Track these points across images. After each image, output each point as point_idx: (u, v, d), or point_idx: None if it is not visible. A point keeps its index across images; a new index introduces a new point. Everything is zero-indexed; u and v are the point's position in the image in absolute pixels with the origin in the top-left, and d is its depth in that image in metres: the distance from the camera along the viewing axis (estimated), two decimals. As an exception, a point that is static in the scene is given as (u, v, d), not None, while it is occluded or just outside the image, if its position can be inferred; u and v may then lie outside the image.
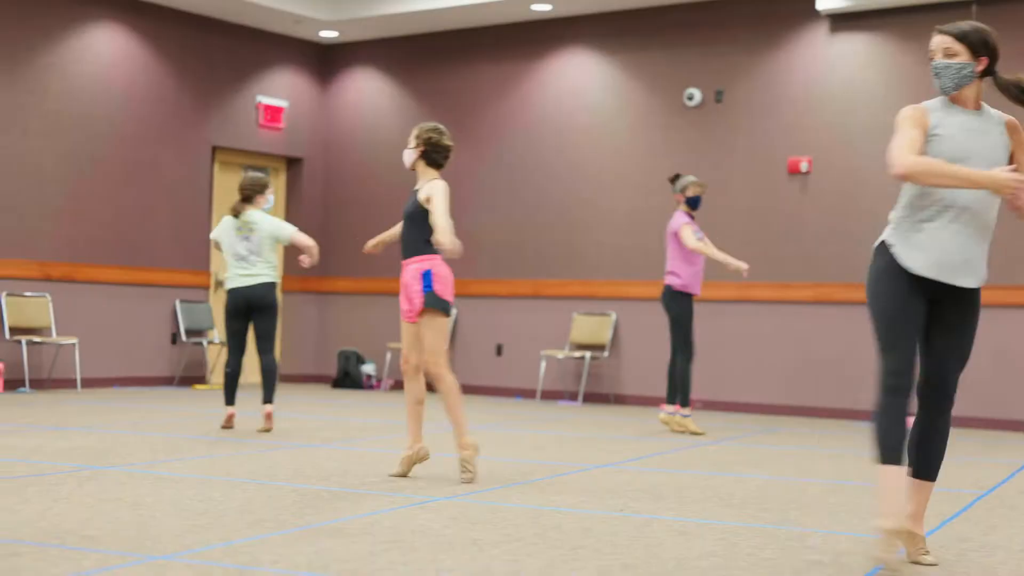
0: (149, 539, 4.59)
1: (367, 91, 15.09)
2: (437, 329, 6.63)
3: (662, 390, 12.76)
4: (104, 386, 12.93)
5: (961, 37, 4.79)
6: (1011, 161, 4.72)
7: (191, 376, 13.86)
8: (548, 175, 13.74)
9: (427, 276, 6.64)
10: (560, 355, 13.05)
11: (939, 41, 4.82)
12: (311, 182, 15.19)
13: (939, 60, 4.83)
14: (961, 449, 9.32)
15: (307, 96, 15.18)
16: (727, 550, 4.77)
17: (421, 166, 7.02)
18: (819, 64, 12.37)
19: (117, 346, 13.07)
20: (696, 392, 12.61)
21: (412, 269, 6.72)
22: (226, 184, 14.43)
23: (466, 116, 14.35)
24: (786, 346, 12.37)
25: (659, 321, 12.82)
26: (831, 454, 8.65)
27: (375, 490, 6.07)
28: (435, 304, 6.61)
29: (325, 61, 15.33)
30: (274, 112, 14.70)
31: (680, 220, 9.88)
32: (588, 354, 13.05)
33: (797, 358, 12.28)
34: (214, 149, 14.21)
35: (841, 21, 12.28)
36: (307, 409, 11.25)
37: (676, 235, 9.86)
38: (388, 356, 14.46)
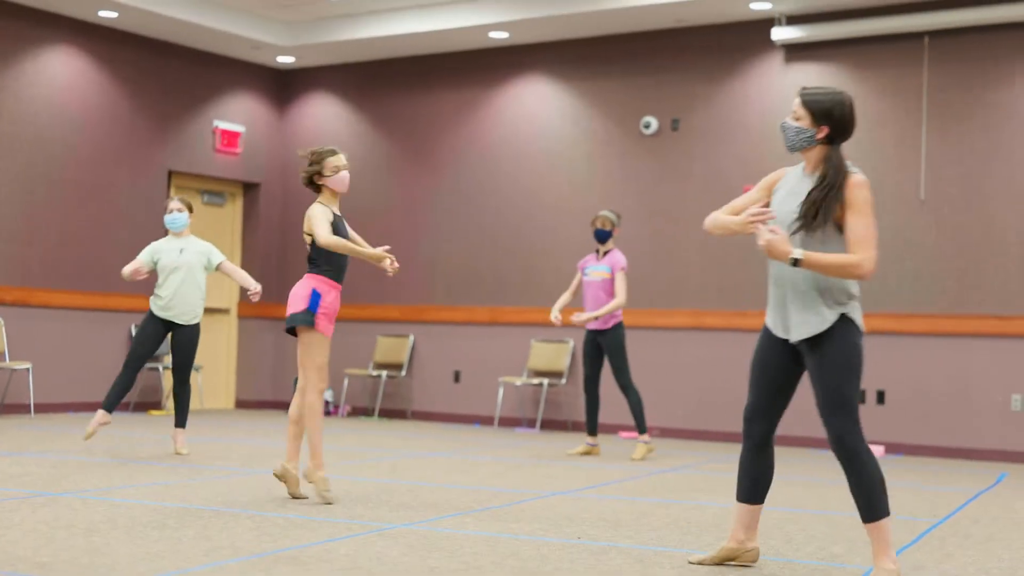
0: (104, 567, 4.55)
1: (324, 116, 15.08)
2: (304, 344, 6.92)
3: (620, 417, 12.79)
4: (58, 411, 12.81)
5: (808, 103, 4.97)
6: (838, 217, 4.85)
7: (146, 402, 13.76)
8: (505, 202, 13.77)
9: (314, 296, 6.82)
10: (518, 382, 13.05)
11: (795, 103, 5.03)
12: (268, 207, 15.15)
13: (786, 120, 5.04)
14: (917, 477, 9.38)
15: (264, 121, 15.16)
16: (685, 577, 4.78)
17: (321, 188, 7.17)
18: (774, 94, 12.47)
19: (71, 371, 12.96)
20: (653, 419, 12.64)
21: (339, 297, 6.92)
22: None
23: (423, 142, 14.37)
24: (741, 374, 12.40)
25: (616, 348, 12.84)
26: (787, 481, 8.69)
27: (332, 517, 6.04)
28: (306, 321, 6.83)
29: (282, 86, 15.31)
30: (231, 137, 14.67)
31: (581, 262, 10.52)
32: (546, 381, 13.05)
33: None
34: (170, 173, 14.15)
35: (795, 51, 12.39)
36: (263, 436, 11.18)
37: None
38: (346, 382, 14.41)
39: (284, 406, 14.86)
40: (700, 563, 5.09)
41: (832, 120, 4.92)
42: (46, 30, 12.84)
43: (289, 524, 5.77)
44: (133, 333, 13.45)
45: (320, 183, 7.01)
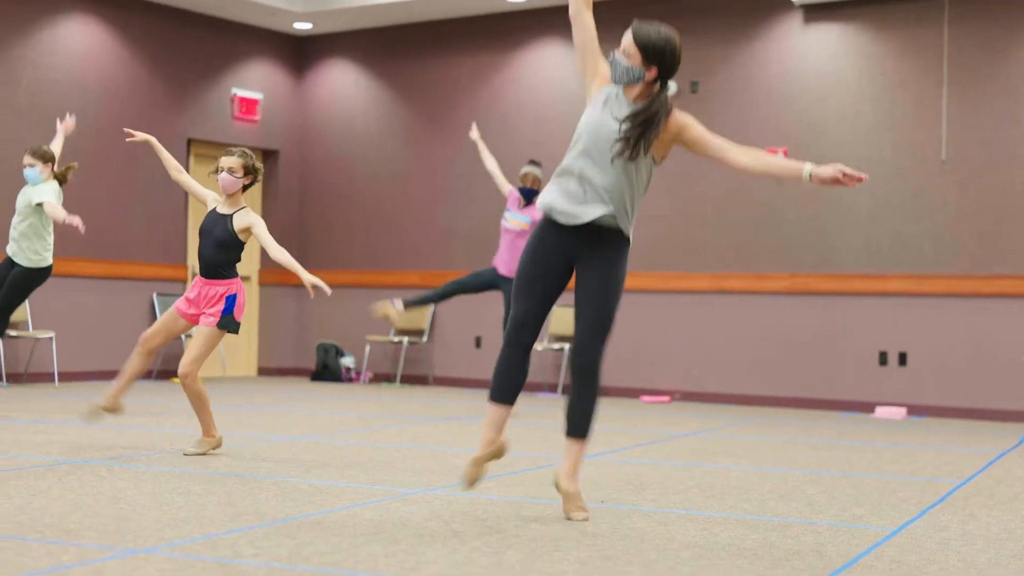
0: (129, 533, 4.58)
1: (342, 83, 15.06)
2: (211, 342, 7.04)
3: (643, 380, 12.81)
4: (81, 380, 12.88)
5: (640, 42, 5.20)
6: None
7: (169, 370, 13.81)
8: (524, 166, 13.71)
9: (231, 300, 7.04)
10: (539, 347, 13.06)
11: (626, 38, 5.21)
12: (287, 174, 15.16)
13: (617, 55, 5.21)
14: (939, 439, 9.38)
15: (282, 88, 15.14)
16: (708, 540, 4.79)
17: (238, 192, 7.11)
18: (793, 55, 12.40)
19: (94, 340, 13.02)
20: (675, 383, 12.66)
21: (217, 290, 7.04)
22: (202, 177, 14.35)
23: (441, 107, 14.34)
24: (762, 337, 12.40)
25: (636, 312, 12.86)
26: (809, 444, 8.69)
27: (355, 483, 6.07)
28: (228, 326, 7.08)
29: (300, 53, 15.29)
30: (249, 104, 14.66)
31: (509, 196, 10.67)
32: (567, 345, 13.06)
33: (773, 348, 12.32)
34: (189, 142, 14.16)
35: (815, 12, 12.31)
36: (286, 402, 11.23)
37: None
38: (367, 348, 14.44)
39: (306, 372, 14.91)
40: (469, 479, 5.20)
41: (663, 62, 5.20)
42: (62, 0, 12.85)
43: (313, 490, 5.80)
44: (155, 301, 13.50)
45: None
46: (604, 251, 5.11)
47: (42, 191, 9.24)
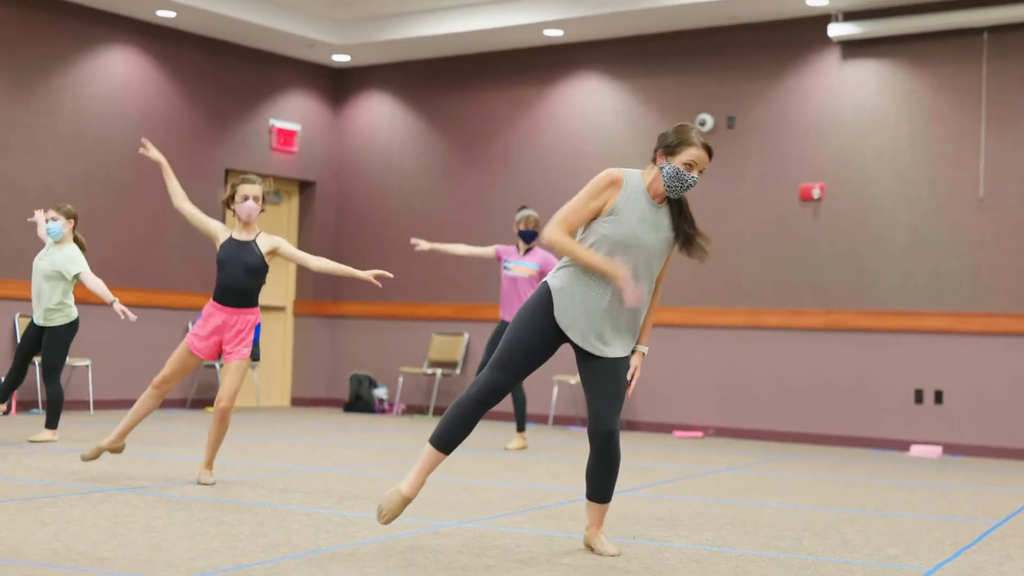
0: (161, 562, 4.59)
1: (379, 115, 15.14)
2: (245, 373, 7.09)
3: (675, 415, 12.76)
4: (116, 407, 12.93)
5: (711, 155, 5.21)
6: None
7: (203, 399, 13.87)
8: (559, 200, 13.62)
9: (258, 329, 7.12)
10: (573, 380, 13.03)
11: (704, 157, 5.20)
12: (323, 205, 15.23)
13: (694, 175, 5.19)
14: (975, 478, 9.29)
15: (320, 120, 15.23)
16: (741, 578, 4.76)
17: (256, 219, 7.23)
18: (831, 91, 12.38)
19: (129, 368, 13.08)
20: (708, 419, 12.62)
21: (247, 319, 7.07)
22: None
23: (477, 140, 14.39)
24: (797, 373, 12.34)
25: (670, 346, 12.83)
26: (844, 481, 8.63)
27: (387, 515, 6.05)
28: (255, 355, 7.23)
29: (338, 85, 15.38)
30: (287, 135, 14.75)
31: (498, 251, 10.40)
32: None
33: (808, 385, 12.25)
34: (227, 172, 14.25)
35: (853, 48, 12.30)
36: (319, 433, 11.24)
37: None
38: (400, 380, 14.45)
39: (339, 403, 14.93)
40: (390, 516, 5.08)
41: None
42: (105, 30, 12.97)
43: (345, 521, 5.80)
44: (189, 329, 13.54)
45: (232, 207, 7.19)
46: None
47: (76, 261, 9.37)
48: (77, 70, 12.74)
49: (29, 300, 9.79)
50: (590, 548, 5.21)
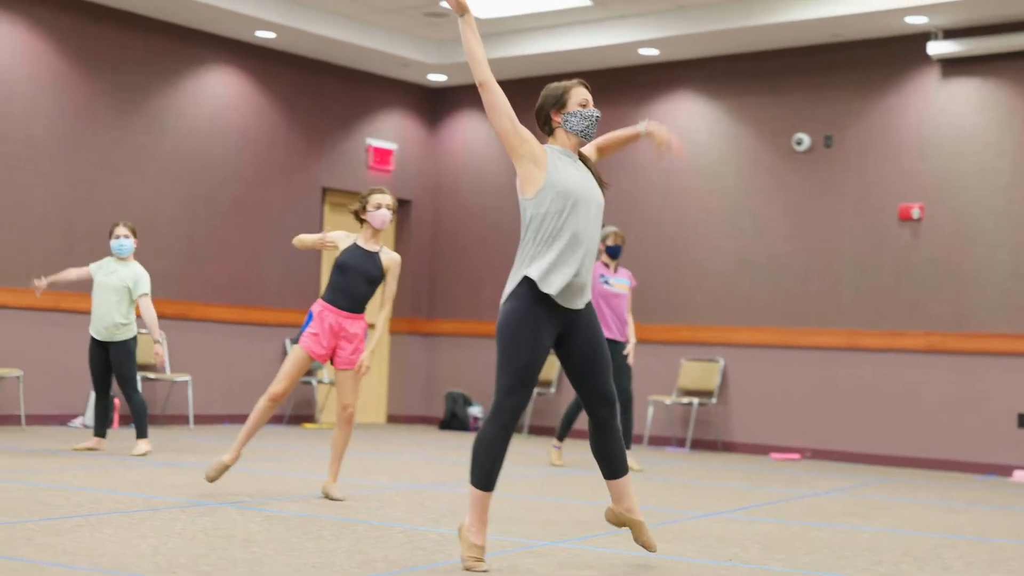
0: (262, 577, 4.64)
1: (474, 134, 15.21)
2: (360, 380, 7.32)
3: (772, 437, 12.65)
4: (215, 423, 13.12)
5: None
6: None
7: (301, 415, 14.01)
8: (655, 219, 13.71)
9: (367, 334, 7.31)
10: (668, 400, 12.97)
11: (587, 91, 5.26)
12: (419, 224, 15.33)
13: (594, 108, 5.25)
14: (1079, 503, 9.10)
15: (416, 139, 15.34)
16: (840, 602, 4.70)
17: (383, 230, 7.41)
18: (931, 109, 12.23)
19: (228, 384, 13.26)
20: (805, 441, 12.49)
21: (360, 326, 7.27)
22: (336, 225, 14.60)
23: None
24: (896, 395, 12.18)
25: (768, 367, 12.73)
26: (944, 506, 8.49)
27: (483, 533, 6.07)
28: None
29: (433, 104, 15.49)
30: (383, 154, 14.88)
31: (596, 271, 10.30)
32: (696, 400, 12.95)
33: (907, 407, 12.08)
34: (324, 190, 14.40)
35: (952, 66, 12.13)
36: (414, 450, 11.30)
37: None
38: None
39: (435, 421, 15.00)
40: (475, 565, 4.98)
41: None
42: (206, 50, 13.19)
43: (441, 539, 5.82)
44: (287, 347, 13.72)
45: (363, 218, 7.35)
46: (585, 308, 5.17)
47: (145, 281, 9.62)
48: (179, 90, 12.97)
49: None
50: (613, 521, 5.32)
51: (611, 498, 5.32)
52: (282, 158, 13.87)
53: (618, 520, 5.34)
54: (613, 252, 10.24)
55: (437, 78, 14.96)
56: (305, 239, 7.32)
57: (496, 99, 5.11)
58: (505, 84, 15.40)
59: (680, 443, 13.27)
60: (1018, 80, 11.80)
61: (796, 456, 12.36)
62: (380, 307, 7.29)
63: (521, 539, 5.93)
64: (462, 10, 5.11)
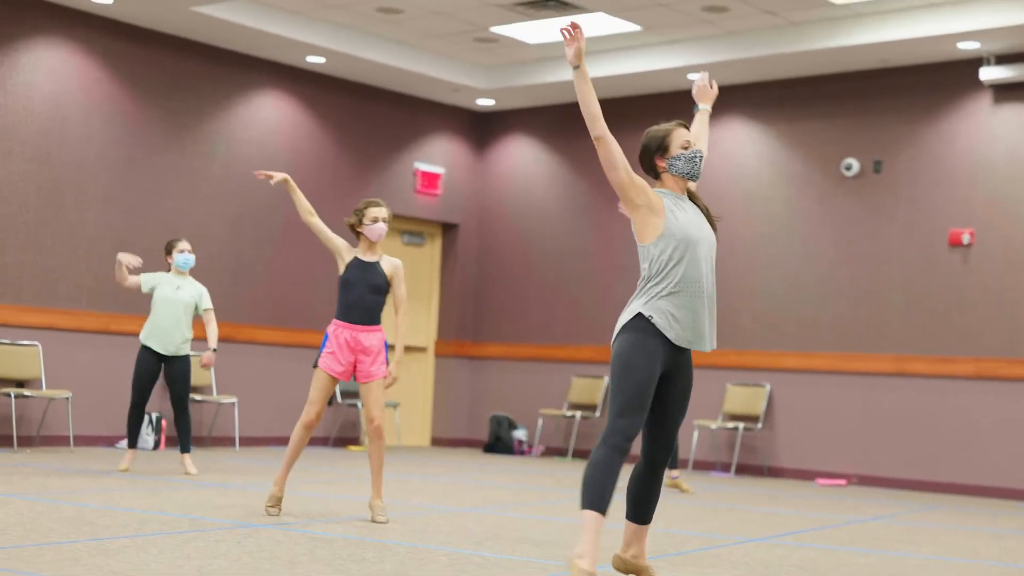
0: (305, 598, 4.64)
1: (522, 158, 15.24)
2: (384, 390, 7.34)
3: (819, 462, 12.56)
4: (261, 444, 13.17)
5: None
6: None
7: (346, 437, 14.05)
8: (702, 244, 13.64)
9: (386, 345, 7.36)
10: (713, 425, 12.91)
11: (687, 132, 5.33)
12: (466, 248, 15.37)
13: (697, 148, 5.35)
14: None
15: (463, 163, 15.39)
16: (886, 630, 4.65)
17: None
18: (982, 135, 12.14)
19: (273, 406, 13.31)
20: (852, 467, 12.40)
21: (377, 337, 7.30)
22: (383, 248, 14.63)
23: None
24: (945, 422, 12.06)
25: (814, 392, 12.65)
26: (994, 534, 8.40)
27: (526, 556, 6.07)
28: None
29: (481, 128, 15.54)
30: (431, 178, 14.93)
31: None
32: (741, 425, 12.88)
33: (957, 434, 11.96)
34: (372, 214, 14.44)
35: (1005, 92, 12.05)
36: (458, 473, 11.30)
37: None
38: (540, 422, 14.47)
39: (479, 444, 15.00)
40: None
41: None
42: (257, 75, 13.30)
43: (485, 562, 5.81)
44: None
45: (359, 231, 7.41)
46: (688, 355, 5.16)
47: (207, 296, 9.85)
48: (230, 115, 13.08)
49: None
50: (623, 570, 5.27)
51: (625, 541, 5.27)
52: (331, 182, 13.95)
53: (627, 567, 5.28)
54: None
55: (486, 103, 15.01)
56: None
57: (613, 154, 5.18)
58: (553, 109, 15.52)
59: (725, 468, 13.20)
60: (1070, 105, 11.71)
61: (842, 482, 12.27)
62: (395, 313, 7.38)
63: (563, 562, 5.91)
64: (577, 62, 5.13)
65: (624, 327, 5.05)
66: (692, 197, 5.29)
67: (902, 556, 6.92)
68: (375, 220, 7.36)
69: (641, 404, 4.94)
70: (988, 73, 11.90)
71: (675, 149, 5.25)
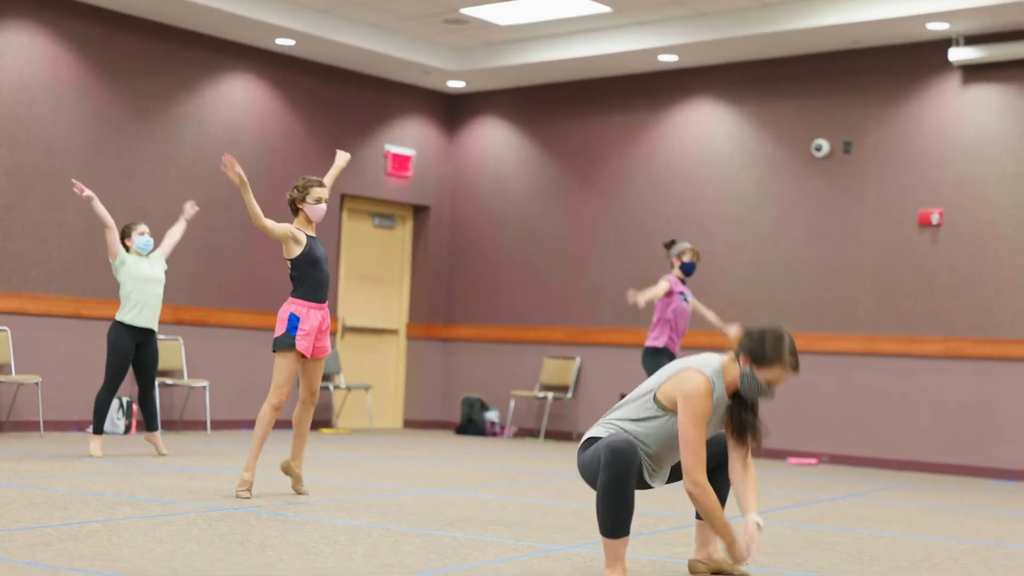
0: (277, 581, 4.65)
1: (493, 140, 15.23)
2: None
3: (789, 442, 12.63)
4: (232, 428, 13.14)
5: None
6: None
7: (317, 420, 14.03)
8: (673, 226, 13.69)
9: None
10: (684, 406, 12.93)
11: (790, 378, 5.03)
12: (437, 230, 15.35)
13: (774, 391, 5.06)
14: (1099, 510, 9.05)
15: (434, 145, 15.36)
16: (856, 608, 4.69)
17: None
18: (951, 116, 12.19)
19: (246, 389, 13.28)
20: (822, 446, 12.46)
21: (327, 314, 7.45)
22: (354, 231, 14.65)
23: (591, 166, 14.40)
24: (914, 401, 12.14)
25: (785, 373, 12.69)
26: (962, 512, 8.46)
27: (499, 538, 6.08)
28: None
29: (452, 110, 15.51)
30: (402, 161, 14.91)
31: (672, 284, 10.43)
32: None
33: (925, 413, 12.04)
34: (343, 197, 14.43)
35: (974, 72, 12.10)
36: (431, 455, 11.31)
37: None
38: (512, 403, 14.49)
39: (451, 426, 15.01)
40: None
41: None
42: (226, 58, 13.24)
43: (457, 543, 5.82)
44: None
45: (300, 207, 7.44)
46: None
47: (163, 259, 10.02)
48: (199, 98, 13.01)
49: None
50: (706, 571, 5.21)
51: (699, 542, 5.26)
52: (300, 165, 13.90)
53: (709, 568, 5.24)
54: (688, 269, 10.49)
55: (456, 85, 14.98)
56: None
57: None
58: (524, 91, 15.49)
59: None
60: (1038, 85, 11.77)
61: (813, 461, 12.33)
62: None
63: (537, 543, 5.93)
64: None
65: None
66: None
67: (872, 534, 6.97)
68: (318, 200, 7.38)
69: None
70: (957, 54, 11.94)
71: (763, 375, 4.95)
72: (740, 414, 5.01)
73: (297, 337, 7.25)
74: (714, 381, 4.90)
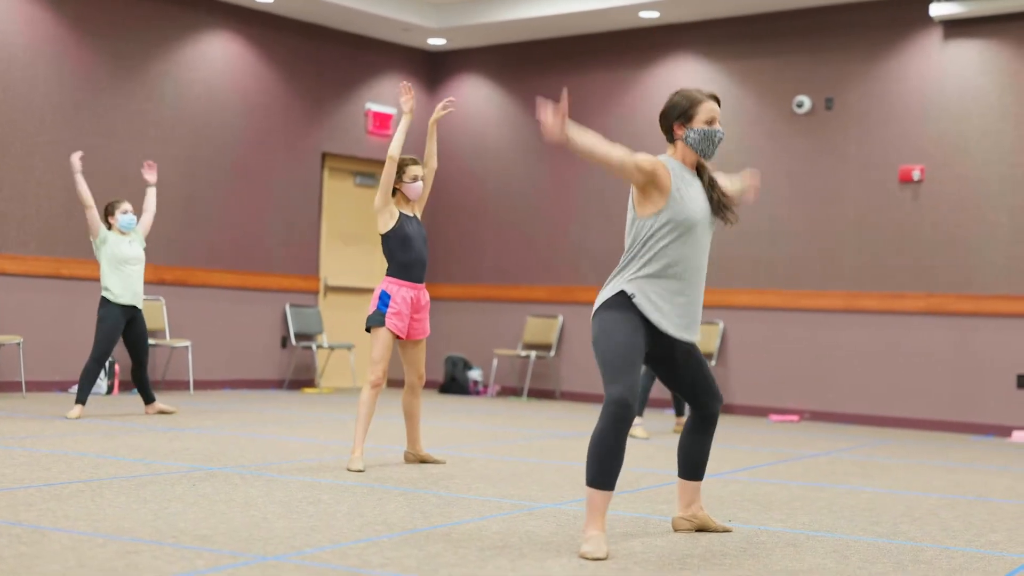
0: (260, 540, 4.66)
1: (475, 98, 15.17)
2: None
3: (771, 399, 12.67)
4: (215, 388, 13.14)
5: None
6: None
7: (300, 379, 14.03)
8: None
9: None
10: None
11: (717, 108, 5.06)
12: (419, 189, 15.28)
13: (720, 128, 5.08)
14: (1078, 464, 9.11)
15: (416, 103, 15.23)
16: (838, 563, 4.72)
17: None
18: (932, 72, 12.18)
19: (228, 349, 13.27)
20: (804, 403, 12.51)
21: (427, 294, 7.30)
22: (336, 190, 14.60)
23: (574, 122, 14.33)
24: (896, 357, 12.19)
25: (767, 329, 12.73)
26: (943, 467, 8.51)
27: (483, 496, 6.10)
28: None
29: (433, 68, 15.44)
30: (382, 119, 14.84)
31: None
32: (694, 363, 12.94)
33: (908, 369, 12.09)
34: (324, 156, 14.38)
35: (955, 28, 12.08)
36: (414, 414, 11.31)
37: None
38: (495, 362, 14.51)
39: (434, 385, 15.01)
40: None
41: None
42: (205, 15, 13.14)
43: (441, 502, 5.83)
44: (288, 312, 13.72)
45: (397, 187, 7.26)
46: None
47: (142, 241, 9.97)
48: (178, 55, 12.92)
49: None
50: (690, 528, 5.24)
51: (683, 502, 5.25)
52: (281, 123, 13.84)
53: (692, 524, 5.26)
54: None
55: (437, 42, 14.90)
56: None
57: (623, 167, 4.88)
58: (505, 48, 15.42)
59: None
60: (1021, 41, 11.75)
61: (795, 418, 12.39)
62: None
63: (521, 501, 5.95)
64: (563, 139, 4.97)
65: (603, 304, 4.91)
66: (701, 172, 5.09)
67: (855, 489, 7.01)
68: (415, 179, 7.26)
69: (626, 366, 4.74)
70: (938, 9, 11.92)
71: (698, 122, 5.02)
72: (707, 190, 5.09)
73: (388, 314, 7.08)
74: (662, 160, 5.02)
